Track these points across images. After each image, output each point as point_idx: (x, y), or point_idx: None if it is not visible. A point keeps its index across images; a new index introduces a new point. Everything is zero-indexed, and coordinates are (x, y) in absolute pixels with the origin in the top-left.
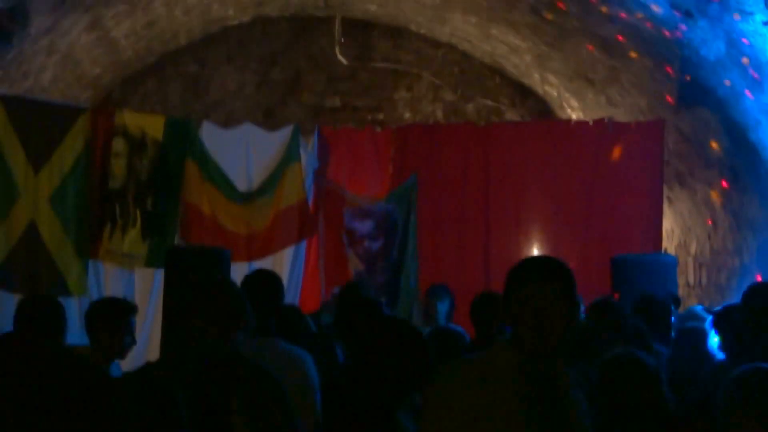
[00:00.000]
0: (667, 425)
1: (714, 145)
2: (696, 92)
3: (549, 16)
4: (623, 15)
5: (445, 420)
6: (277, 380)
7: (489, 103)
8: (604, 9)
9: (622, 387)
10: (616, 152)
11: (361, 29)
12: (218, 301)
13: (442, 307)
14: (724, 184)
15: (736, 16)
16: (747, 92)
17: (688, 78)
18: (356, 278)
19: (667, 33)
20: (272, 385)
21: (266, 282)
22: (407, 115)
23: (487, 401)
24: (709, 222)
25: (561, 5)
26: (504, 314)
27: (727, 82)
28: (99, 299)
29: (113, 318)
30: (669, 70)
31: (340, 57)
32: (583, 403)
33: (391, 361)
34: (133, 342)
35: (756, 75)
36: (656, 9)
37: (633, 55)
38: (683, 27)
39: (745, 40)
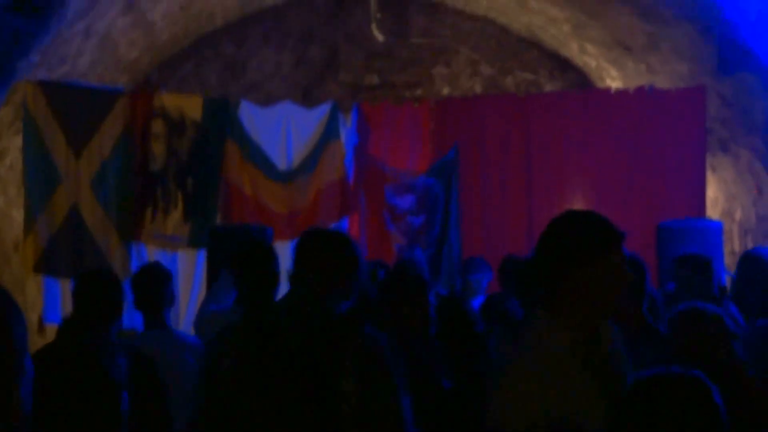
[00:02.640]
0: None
1: (757, 109)
2: (737, 55)
3: None
4: None
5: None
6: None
7: (528, 75)
8: None
9: (688, 339)
10: (658, 120)
11: (397, 4)
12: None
13: (479, 281)
14: (766, 149)
15: None
16: None
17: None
18: (400, 257)
19: None
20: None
21: (153, 277)
22: (446, 90)
23: (559, 383)
24: (755, 189)
25: None
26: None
27: None
28: (139, 268)
29: (161, 282)
30: (707, 30)
31: (376, 33)
32: (623, 352)
33: None
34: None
35: None
36: None
37: (671, 20)
38: None
39: None
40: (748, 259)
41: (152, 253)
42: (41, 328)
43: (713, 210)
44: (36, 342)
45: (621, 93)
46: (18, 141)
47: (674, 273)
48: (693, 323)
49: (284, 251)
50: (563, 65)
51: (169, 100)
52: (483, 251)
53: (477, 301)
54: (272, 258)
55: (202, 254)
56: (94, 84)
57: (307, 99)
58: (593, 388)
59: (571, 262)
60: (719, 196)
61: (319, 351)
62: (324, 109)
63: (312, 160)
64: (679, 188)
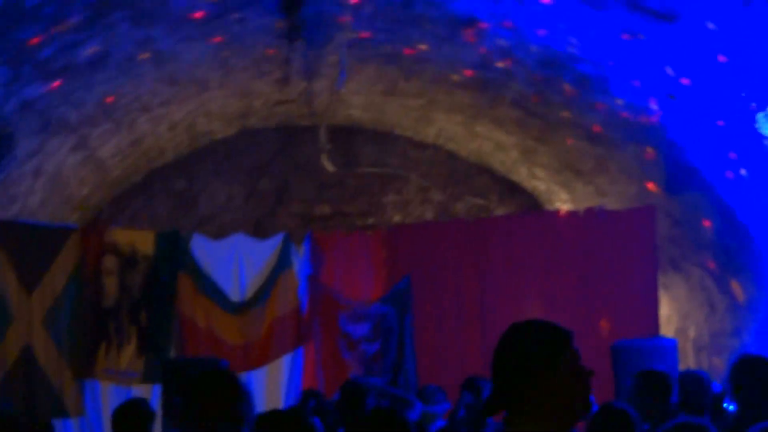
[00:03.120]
0: None
1: (706, 226)
2: (684, 176)
3: (533, 109)
4: (605, 101)
5: None
6: None
7: (478, 201)
8: (584, 101)
9: None
10: (608, 241)
11: (346, 135)
12: None
13: (438, 409)
14: (716, 265)
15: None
16: (729, 173)
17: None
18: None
19: (647, 119)
20: None
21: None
22: (397, 218)
23: None
24: (706, 304)
25: (536, 99)
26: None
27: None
28: (123, 403)
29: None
30: (653, 155)
31: (326, 164)
32: None
33: None
34: None
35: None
36: (637, 96)
37: (618, 143)
38: (664, 111)
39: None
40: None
41: (107, 389)
42: None
43: (667, 328)
44: None
45: (571, 215)
46: None
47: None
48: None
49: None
50: (513, 189)
51: (120, 236)
52: (439, 377)
53: (434, 427)
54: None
55: (158, 389)
56: (44, 222)
57: (259, 230)
58: None
59: (534, 370)
60: (672, 314)
61: None
62: (276, 240)
63: (265, 291)
64: (633, 308)
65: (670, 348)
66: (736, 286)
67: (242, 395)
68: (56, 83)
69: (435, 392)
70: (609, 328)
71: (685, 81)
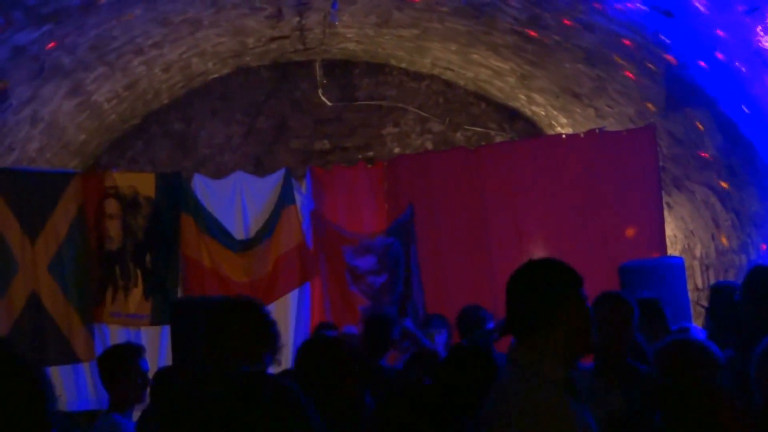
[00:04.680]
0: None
1: (708, 144)
2: (685, 93)
3: (530, 33)
4: (601, 20)
5: None
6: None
7: (477, 129)
8: (580, 21)
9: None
10: (610, 162)
11: (341, 69)
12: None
13: (440, 338)
14: (723, 183)
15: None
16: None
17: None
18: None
19: (648, 35)
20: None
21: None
22: (397, 150)
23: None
24: (711, 223)
25: (533, 33)
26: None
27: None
28: (105, 349)
29: (125, 361)
30: (652, 70)
31: (323, 99)
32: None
33: None
34: (148, 383)
35: (743, 68)
36: (634, 13)
37: (616, 63)
38: (662, 28)
39: (720, 32)
40: (716, 291)
41: (115, 332)
42: None
43: (673, 248)
44: None
45: (572, 137)
46: None
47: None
48: (680, 354)
49: None
50: (512, 116)
51: (121, 179)
52: (444, 306)
53: None
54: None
55: (166, 330)
56: (44, 168)
57: (259, 168)
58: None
59: (544, 306)
60: (677, 233)
61: (233, 405)
62: (277, 177)
63: (269, 228)
64: (639, 228)
65: (677, 266)
66: (740, 203)
67: (272, 321)
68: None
69: (436, 321)
70: (616, 249)
71: None
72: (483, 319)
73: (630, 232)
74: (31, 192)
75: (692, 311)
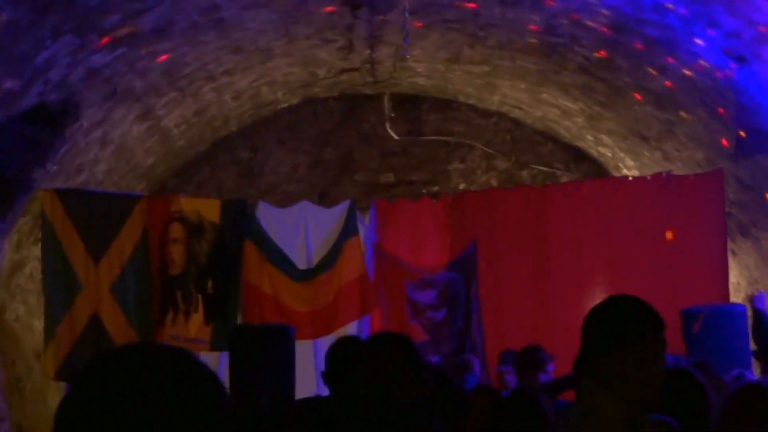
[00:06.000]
0: None
1: None
2: (754, 139)
3: (599, 74)
4: (673, 64)
5: None
6: None
7: (543, 168)
8: (652, 64)
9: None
10: (676, 206)
11: (410, 103)
12: None
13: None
14: None
15: None
16: None
17: (741, 133)
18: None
19: (719, 79)
20: None
21: None
22: (462, 185)
23: None
24: None
25: (604, 53)
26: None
27: None
28: None
29: None
30: (723, 115)
31: (390, 132)
32: None
33: None
34: None
35: None
36: (706, 58)
37: (686, 107)
38: (735, 72)
39: None
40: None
41: None
42: None
43: (735, 295)
44: None
45: (638, 180)
46: (37, 250)
47: None
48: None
49: (307, 350)
50: (579, 156)
51: (187, 204)
52: (503, 345)
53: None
54: None
55: (224, 357)
56: (111, 191)
57: (324, 199)
58: None
59: (608, 344)
60: (741, 281)
61: None
62: (342, 208)
63: (331, 258)
64: (702, 274)
65: (740, 314)
66: None
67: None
68: (121, 51)
69: (506, 356)
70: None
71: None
72: (542, 360)
73: (693, 276)
74: (97, 213)
75: (753, 361)
